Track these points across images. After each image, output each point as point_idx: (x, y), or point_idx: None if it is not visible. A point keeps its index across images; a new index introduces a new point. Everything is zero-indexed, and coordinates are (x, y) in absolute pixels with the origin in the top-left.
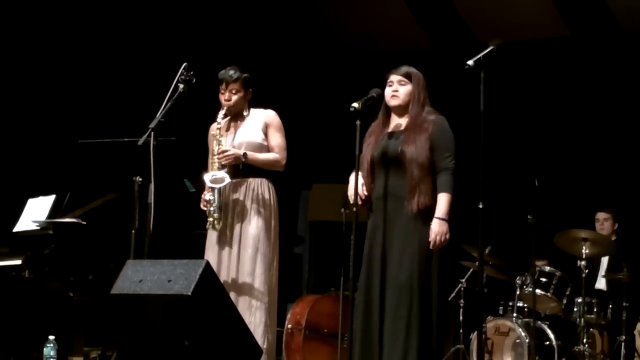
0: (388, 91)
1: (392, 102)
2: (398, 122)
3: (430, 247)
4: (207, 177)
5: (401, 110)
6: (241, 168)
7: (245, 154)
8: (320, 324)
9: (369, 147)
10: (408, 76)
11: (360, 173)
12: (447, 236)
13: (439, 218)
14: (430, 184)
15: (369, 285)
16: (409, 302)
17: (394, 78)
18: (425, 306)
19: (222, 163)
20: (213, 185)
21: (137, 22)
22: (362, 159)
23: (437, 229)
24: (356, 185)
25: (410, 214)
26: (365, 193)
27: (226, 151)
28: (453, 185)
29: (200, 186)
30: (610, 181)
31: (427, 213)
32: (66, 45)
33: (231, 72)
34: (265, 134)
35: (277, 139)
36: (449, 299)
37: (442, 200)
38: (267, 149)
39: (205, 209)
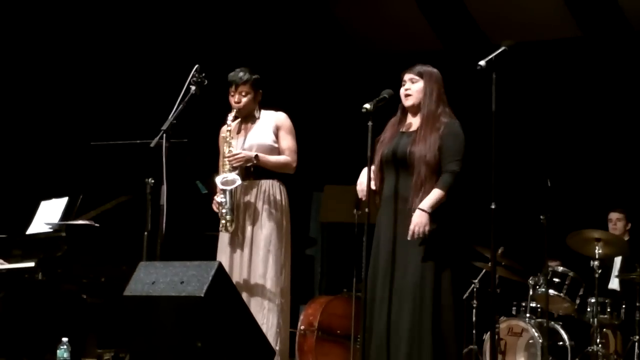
0: (402, 91)
1: (406, 102)
2: (412, 121)
3: (408, 237)
4: (218, 180)
5: (415, 109)
6: (252, 170)
7: (256, 156)
8: (332, 325)
9: (381, 144)
10: (420, 74)
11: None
12: (427, 228)
13: (421, 209)
14: (435, 184)
15: (373, 286)
16: (413, 305)
17: (407, 77)
18: (435, 309)
19: (234, 165)
20: (224, 188)
21: (149, 24)
22: (374, 156)
23: (417, 219)
24: (368, 186)
25: (413, 212)
26: (373, 187)
27: (237, 153)
28: (450, 186)
29: (212, 188)
30: (623, 181)
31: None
32: (78, 47)
33: (240, 74)
34: (276, 136)
35: (288, 142)
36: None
37: (432, 194)
38: (278, 151)
39: (217, 210)
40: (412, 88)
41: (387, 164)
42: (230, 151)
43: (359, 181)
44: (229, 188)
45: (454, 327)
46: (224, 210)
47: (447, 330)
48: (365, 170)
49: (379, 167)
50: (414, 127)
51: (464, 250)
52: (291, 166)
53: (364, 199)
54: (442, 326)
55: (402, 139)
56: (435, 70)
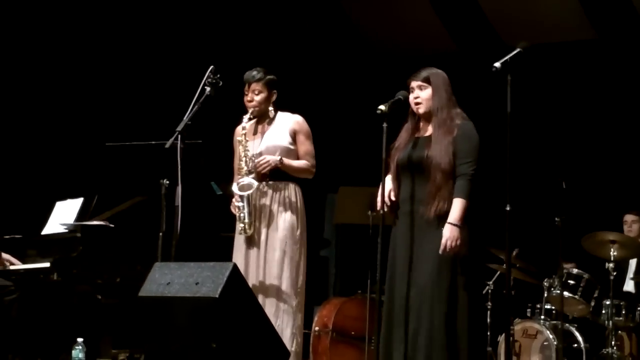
0: (411, 98)
1: (418, 110)
2: (425, 125)
3: (440, 252)
4: (234, 187)
5: (428, 114)
6: (268, 172)
7: (281, 159)
8: (347, 326)
9: (396, 150)
10: (427, 80)
11: (389, 177)
12: (459, 242)
13: (451, 223)
14: (450, 190)
15: (392, 289)
16: (430, 308)
17: (414, 84)
18: (449, 311)
19: (262, 172)
20: (242, 193)
21: (165, 25)
22: (390, 162)
23: (449, 234)
24: (383, 189)
25: (429, 219)
26: (393, 198)
27: (266, 160)
28: (469, 191)
29: (228, 190)
30: (639, 183)
31: (446, 219)
32: (93, 48)
33: (254, 72)
34: (293, 139)
35: (306, 146)
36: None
37: (456, 206)
38: (294, 153)
39: (236, 214)
40: (422, 96)
41: (403, 169)
42: (246, 153)
43: (379, 192)
44: (246, 193)
45: (467, 325)
46: (242, 215)
47: (461, 328)
48: (386, 180)
49: (395, 173)
50: (428, 132)
51: (480, 249)
52: (311, 171)
53: (385, 208)
54: (457, 324)
55: (417, 144)
56: (440, 72)
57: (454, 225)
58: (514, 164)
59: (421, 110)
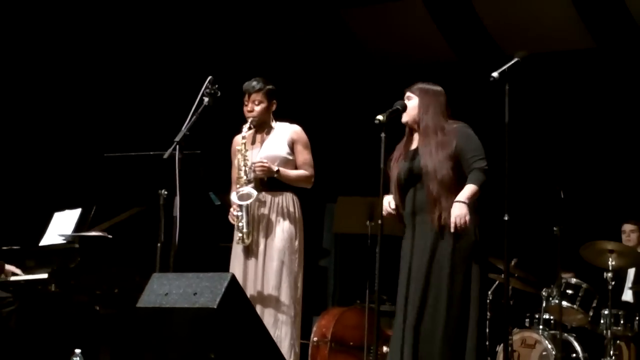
0: None
1: (402, 120)
2: (417, 138)
3: (452, 230)
4: (233, 196)
5: (415, 126)
6: (267, 182)
7: (278, 170)
8: (345, 336)
9: (394, 164)
10: (415, 91)
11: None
12: (467, 218)
13: (459, 201)
14: (451, 202)
15: (402, 300)
16: (446, 312)
17: (406, 94)
18: (460, 320)
19: (257, 172)
20: (241, 203)
21: (164, 35)
22: (389, 177)
23: (457, 211)
24: (381, 199)
25: (434, 228)
26: (393, 207)
27: (264, 162)
28: (483, 181)
29: (227, 200)
30: (637, 193)
31: (449, 228)
32: (92, 58)
33: (254, 83)
34: (291, 149)
35: (305, 156)
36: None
37: (466, 188)
38: (293, 163)
39: (234, 223)
40: (407, 105)
41: (404, 182)
42: (245, 163)
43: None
44: (245, 203)
45: (477, 324)
46: (240, 224)
47: (471, 326)
48: (386, 198)
49: (397, 188)
50: (422, 143)
51: (487, 252)
52: (310, 180)
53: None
54: (469, 321)
55: (414, 156)
56: (433, 87)
57: (462, 202)
58: (512, 173)
59: (403, 119)
